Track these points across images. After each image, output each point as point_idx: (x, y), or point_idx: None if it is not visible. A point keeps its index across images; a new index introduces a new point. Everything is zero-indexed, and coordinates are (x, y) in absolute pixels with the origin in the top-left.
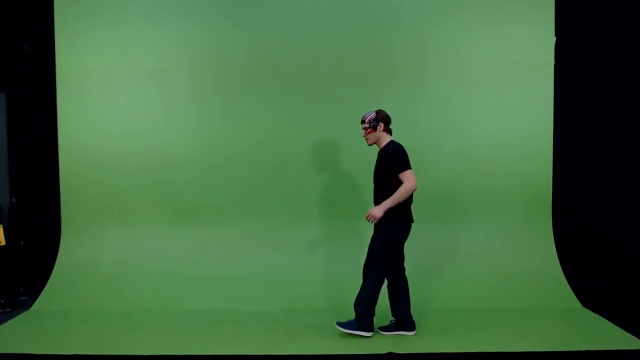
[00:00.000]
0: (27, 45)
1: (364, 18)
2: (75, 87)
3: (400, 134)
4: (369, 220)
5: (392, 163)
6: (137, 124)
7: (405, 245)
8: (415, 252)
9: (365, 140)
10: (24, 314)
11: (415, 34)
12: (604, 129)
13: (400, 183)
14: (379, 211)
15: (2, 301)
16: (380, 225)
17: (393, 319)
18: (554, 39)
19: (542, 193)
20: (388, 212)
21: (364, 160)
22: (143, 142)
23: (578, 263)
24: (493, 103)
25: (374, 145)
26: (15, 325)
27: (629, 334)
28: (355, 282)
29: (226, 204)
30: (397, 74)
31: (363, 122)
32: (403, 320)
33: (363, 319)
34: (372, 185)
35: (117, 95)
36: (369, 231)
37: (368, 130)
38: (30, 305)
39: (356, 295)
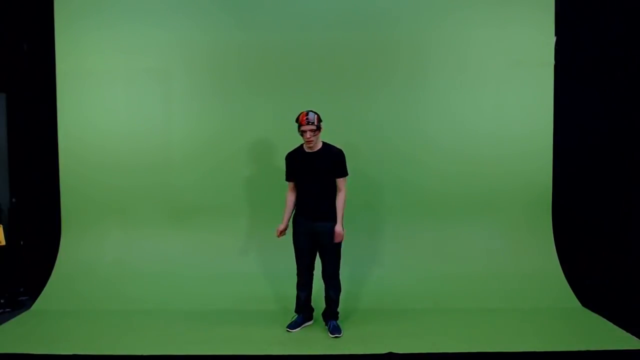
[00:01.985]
0: (27, 45)
1: (363, 17)
2: (75, 87)
3: (400, 134)
4: (339, 242)
5: (340, 166)
6: (137, 124)
7: (406, 245)
8: (415, 252)
9: (308, 142)
10: (24, 314)
11: (415, 33)
12: (604, 129)
13: (333, 182)
14: (341, 228)
15: (2, 301)
16: (331, 228)
17: (297, 315)
18: (554, 39)
19: (542, 193)
20: (333, 214)
21: (368, 159)
22: (143, 141)
23: (578, 263)
24: (493, 103)
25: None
26: (15, 325)
27: (629, 334)
28: (359, 281)
29: (226, 205)
30: (396, 73)
31: (312, 123)
32: (309, 311)
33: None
34: (317, 184)
35: (117, 95)
36: (372, 233)
37: (316, 132)
38: (30, 305)
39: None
